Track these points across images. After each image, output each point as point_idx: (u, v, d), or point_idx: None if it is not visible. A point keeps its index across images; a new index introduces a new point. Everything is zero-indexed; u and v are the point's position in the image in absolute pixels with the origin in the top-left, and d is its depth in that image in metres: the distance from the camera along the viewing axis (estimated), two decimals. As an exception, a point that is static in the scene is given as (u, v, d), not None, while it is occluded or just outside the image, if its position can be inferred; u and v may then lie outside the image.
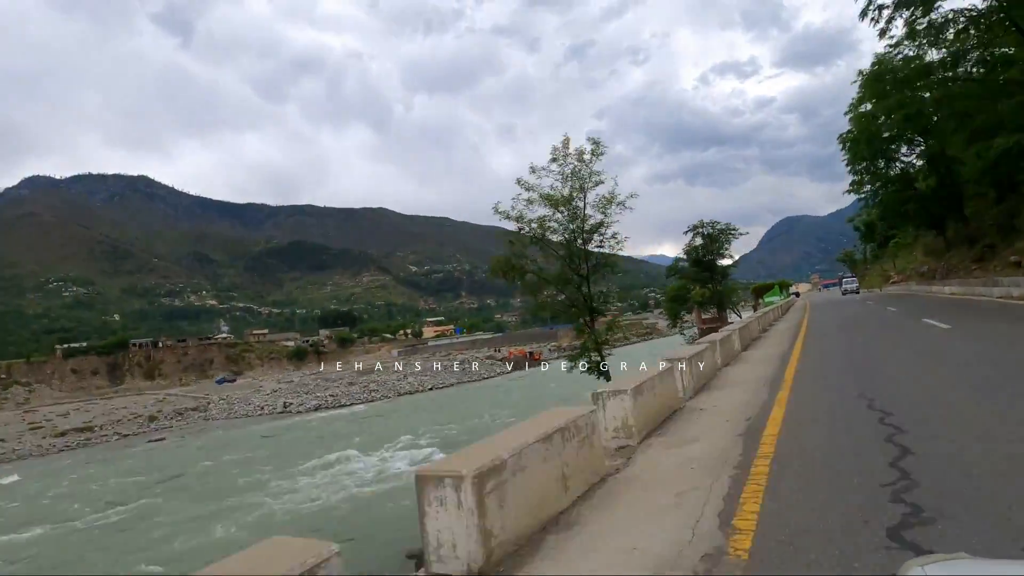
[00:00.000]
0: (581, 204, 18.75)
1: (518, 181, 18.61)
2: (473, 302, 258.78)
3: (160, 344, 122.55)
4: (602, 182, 18.87)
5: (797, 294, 67.84)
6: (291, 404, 60.49)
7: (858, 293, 48.39)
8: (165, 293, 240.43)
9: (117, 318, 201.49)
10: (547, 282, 20.09)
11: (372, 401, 59.98)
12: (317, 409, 57.81)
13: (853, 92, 33.29)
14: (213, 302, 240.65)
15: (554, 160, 18.70)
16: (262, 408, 60.42)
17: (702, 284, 38.25)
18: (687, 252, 38.54)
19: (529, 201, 18.70)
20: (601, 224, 18.93)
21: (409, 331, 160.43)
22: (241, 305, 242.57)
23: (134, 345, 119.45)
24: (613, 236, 19.33)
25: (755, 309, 46.59)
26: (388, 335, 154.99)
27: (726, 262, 38.82)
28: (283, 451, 32.85)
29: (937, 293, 26.75)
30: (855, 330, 15.66)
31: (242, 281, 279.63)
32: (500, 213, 18.76)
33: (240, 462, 30.68)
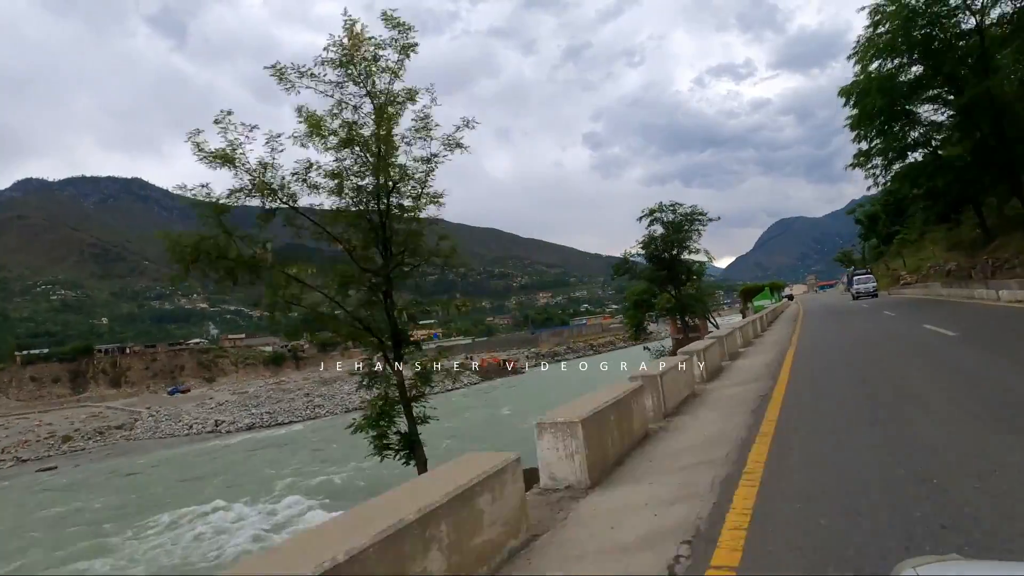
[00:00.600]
0: (372, 139, 10.87)
1: (299, 112, 10.78)
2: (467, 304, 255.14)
3: (127, 350, 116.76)
4: (413, 100, 11.17)
5: (791, 297, 59.23)
6: (223, 423, 53.74)
7: (875, 296, 36.66)
8: (155, 296, 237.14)
9: (105, 321, 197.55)
10: (302, 283, 11.83)
11: (314, 418, 53.45)
12: (250, 428, 51.26)
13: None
14: (204, 305, 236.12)
15: (340, 65, 10.70)
16: (190, 427, 53.63)
17: (660, 285, 29.82)
18: (643, 245, 29.17)
19: (276, 137, 10.70)
20: (407, 175, 11.27)
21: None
22: (232, 308, 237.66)
23: (99, 351, 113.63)
24: (433, 197, 11.81)
25: (743, 315, 39.11)
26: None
27: (698, 257, 29.42)
28: (127, 501, 25.90)
29: (983, 299, 19.24)
30: (906, 402, 5.81)
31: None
32: (202, 152, 10.46)
33: (53, 521, 23.75)
